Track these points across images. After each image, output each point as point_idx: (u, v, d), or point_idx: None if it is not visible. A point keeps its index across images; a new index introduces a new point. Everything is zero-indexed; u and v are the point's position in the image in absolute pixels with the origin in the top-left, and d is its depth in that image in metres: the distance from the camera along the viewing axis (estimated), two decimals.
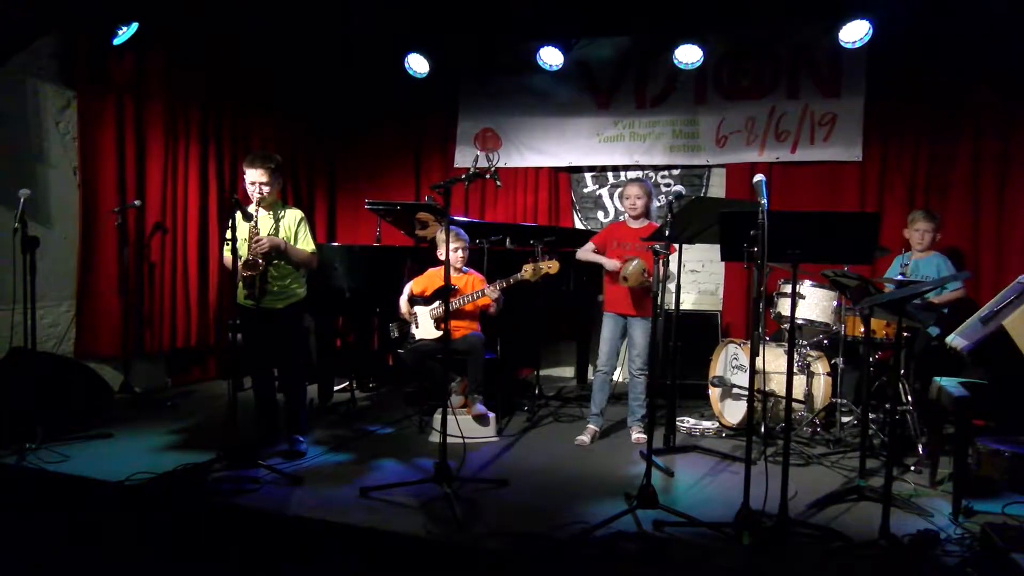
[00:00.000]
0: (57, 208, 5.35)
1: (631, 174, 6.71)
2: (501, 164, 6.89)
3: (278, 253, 4.05)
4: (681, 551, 3.01)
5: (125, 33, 5.26)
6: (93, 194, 5.46)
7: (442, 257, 4.01)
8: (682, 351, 4.55)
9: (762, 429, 4.51)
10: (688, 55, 6.01)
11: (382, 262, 5.46)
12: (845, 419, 4.73)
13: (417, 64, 6.36)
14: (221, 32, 6.09)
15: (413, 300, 4.81)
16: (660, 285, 3.94)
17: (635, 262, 4.44)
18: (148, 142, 5.77)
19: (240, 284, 3.99)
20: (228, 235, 3.80)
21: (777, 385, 4.64)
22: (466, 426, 4.45)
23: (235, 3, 5.86)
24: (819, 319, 4.76)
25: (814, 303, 4.76)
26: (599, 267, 4.78)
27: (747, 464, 3.09)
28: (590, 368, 6.10)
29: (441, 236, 4.39)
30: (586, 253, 4.76)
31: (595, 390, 4.72)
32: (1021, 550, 2.67)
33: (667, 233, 3.82)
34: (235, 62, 6.32)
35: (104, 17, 5.23)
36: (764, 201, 3.00)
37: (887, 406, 4.22)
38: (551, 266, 4.44)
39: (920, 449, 4.23)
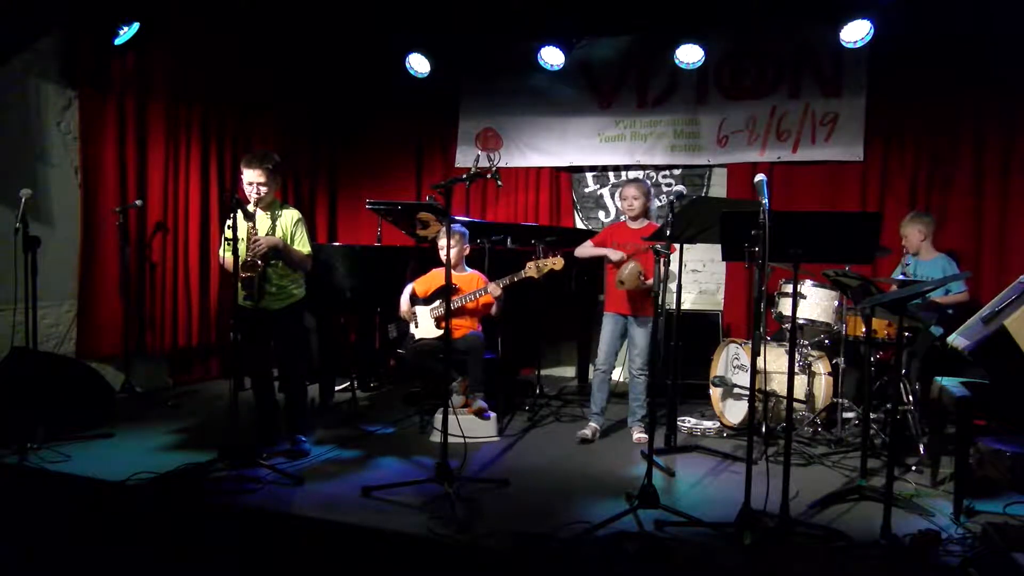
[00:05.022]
0: (58, 208, 5.35)
1: (632, 174, 6.71)
2: (502, 164, 6.89)
3: (276, 254, 4.05)
4: (682, 551, 3.00)
5: (126, 33, 5.27)
6: (94, 194, 5.47)
7: (443, 256, 4.01)
8: (683, 351, 4.55)
9: (763, 429, 4.52)
10: (689, 55, 6.01)
11: (383, 262, 5.46)
12: (846, 418, 4.72)
13: (418, 64, 6.36)
14: (221, 32, 6.09)
15: (413, 300, 4.81)
16: (661, 285, 3.94)
17: (631, 265, 4.43)
18: (149, 142, 5.78)
19: (239, 285, 3.99)
20: (228, 235, 3.80)
21: (778, 385, 4.64)
22: (467, 426, 4.44)
23: (235, 3, 5.86)
24: (820, 319, 4.75)
25: (815, 303, 4.76)
26: (600, 267, 4.78)
27: (748, 464, 3.09)
28: (591, 367, 6.10)
29: (443, 235, 4.40)
30: (586, 248, 4.75)
31: (594, 390, 4.72)
32: (1022, 550, 2.66)
33: (668, 233, 3.82)
34: (235, 62, 6.31)
35: (105, 17, 5.24)
36: (765, 201, 3.00)
37: (888, 406, 4.22)
38: (556, 263, 4.43)
39: (921, 449, 4.23)
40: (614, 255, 4.57)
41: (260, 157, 4.07)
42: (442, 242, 4.38)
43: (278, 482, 3.68)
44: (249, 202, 4.00)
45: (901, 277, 4.90)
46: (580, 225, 6.98)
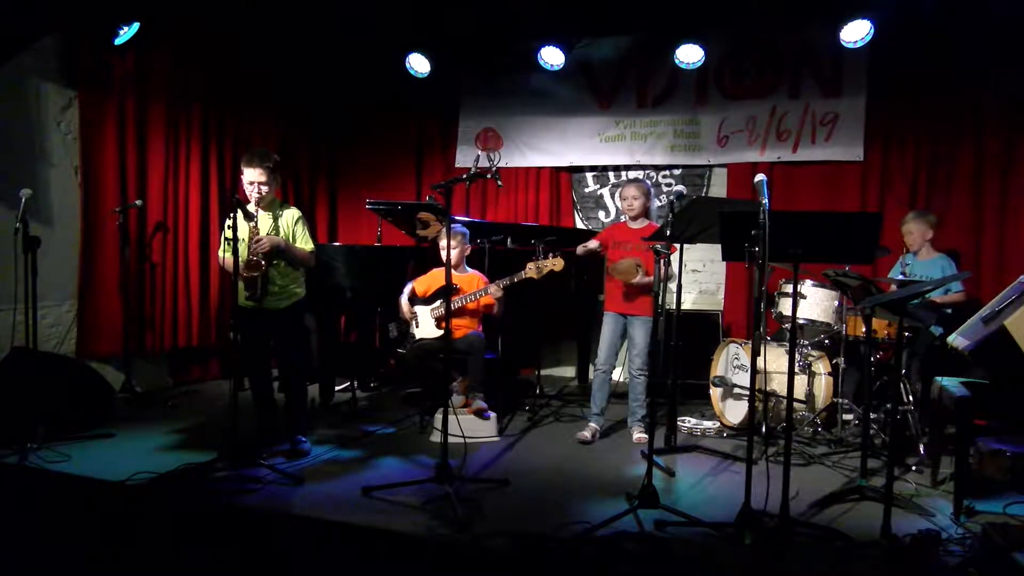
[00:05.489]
0: (58, 208, 5.35)
1: (632, 174, 6.71)
2: (502, 164, 6.89)
3: (278, 252, 4.05)
4: (682, 551, 3.00)
5: (127, 33, 5.26)
6: (94, 194, 5.46)
7: (444, 256, 4.01)
8: (683, 351, 4.55)
9: (763, 429, 4.52)
10: (689, 55, 6.01)
11: (384, 262, 5.46)
12: (846, 418, 4.72)
13: (418, 64, 6.36)
14: (221, 32, 6.09)
15: (413, 300, 4.81)
16: (661, 285, 3.94)
17: (627, 260, 4.45)
18: (149, 142, 5.77)
19: (241, 285, 3.99)
20: (228, 234, 3.80)
21: (778, 385, 4.64)
22: (467, 426, 4.43)
23: (235, 3, 5.86)
24: (820, 319, 4.75)
25: (815, 303, 4.76)
26: (600, 267, 4.77)
27: (748, 464, 3.09)
28: (591, 367, 6.10)
29: (443, 236, 4.40)
30: (584, 246, 4.78)
31: (595, 390, 4.72)
32: (1022, 550, 2.66)
33: (668, 233, 3.82)
34: (235, 62, 6.32)
35: (106, 17, 5.24)
36: (765, 201, 3.00)
37: (888, 406, 4.22)
38: (556, 264, 4.43)
39: (921, 449, 4.23)
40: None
41: (260, 156, 4.07)
42: (443, 243, 4.38)
43: (278, 482, 3.68)
44: (249, 202, 4.00)
45: (900, 276, 4.90)
46: (580, 225, 6.97)
